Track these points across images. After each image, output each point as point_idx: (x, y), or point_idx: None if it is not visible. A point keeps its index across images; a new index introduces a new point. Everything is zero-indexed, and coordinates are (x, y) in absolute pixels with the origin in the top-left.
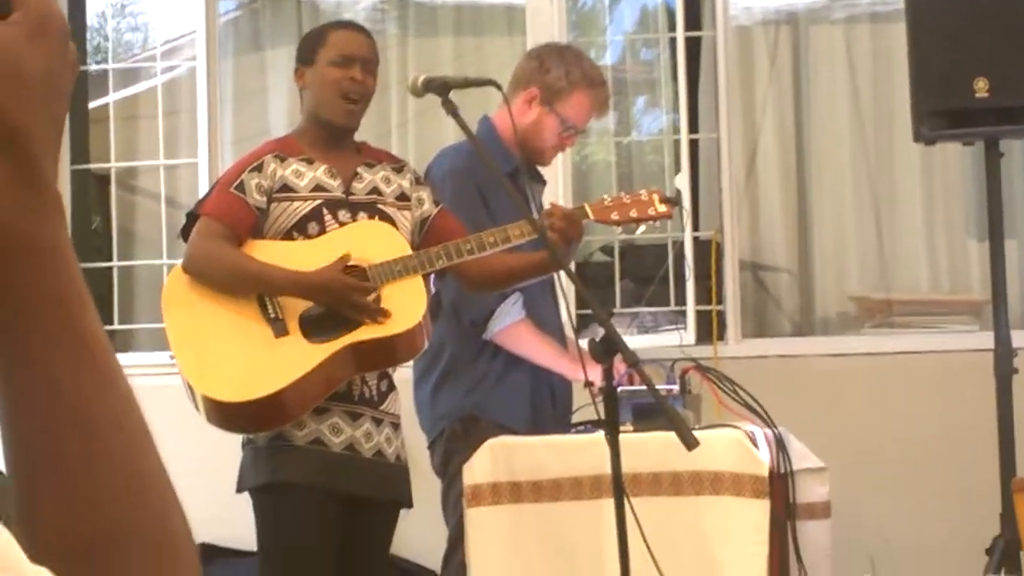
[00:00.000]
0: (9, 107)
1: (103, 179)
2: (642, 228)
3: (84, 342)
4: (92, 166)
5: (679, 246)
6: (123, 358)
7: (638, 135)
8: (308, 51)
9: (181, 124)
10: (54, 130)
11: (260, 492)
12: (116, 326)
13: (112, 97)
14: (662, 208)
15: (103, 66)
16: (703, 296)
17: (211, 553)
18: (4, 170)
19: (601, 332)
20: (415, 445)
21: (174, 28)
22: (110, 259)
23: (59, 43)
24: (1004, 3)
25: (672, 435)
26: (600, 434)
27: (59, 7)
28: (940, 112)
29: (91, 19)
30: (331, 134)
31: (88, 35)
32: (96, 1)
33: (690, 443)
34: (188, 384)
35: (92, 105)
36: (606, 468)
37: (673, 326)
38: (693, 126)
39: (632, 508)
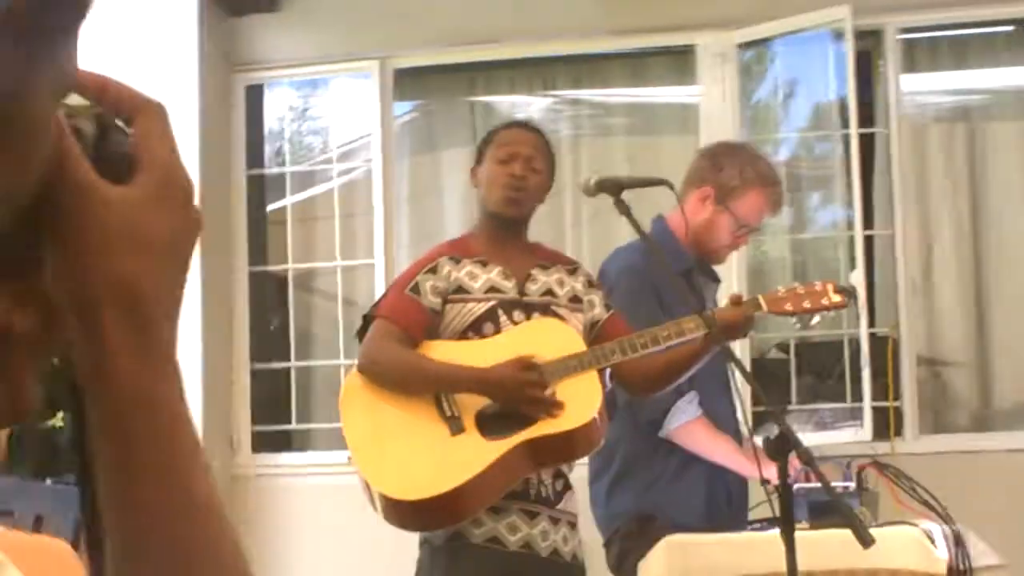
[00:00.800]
0: (133, 273)
1: (281, 280)
2: (816, 319)
3: (191, 497)
4: (270, 268)
5: (855, 342)
6: (301, 457)
7: (813, 231)
8: (480, 151)
9: (357, 225)
10: (175, 294)
11: None
12: (294, 426)
13: (290, 200)
14: (836, 298)
15: (282, 169)
16: (880, 392)
17: None
18: (126, 336)
19: (776, 429)
20: (591, 543)
21: (351, 131)
22: (288, 359)
23: (183, 206)
24: None
25: (848, 532)
26: (776, 532)
27: (183, 169)
28: None
29: (270, 122)
30: (502, 229)
31: (266, 138)
32: (275, 105)
33: (866, 540)
34: (366, 483)
35: (270, 208)
36: (782, 566)
37: (850, 422)
38: (868, 222)
39: None
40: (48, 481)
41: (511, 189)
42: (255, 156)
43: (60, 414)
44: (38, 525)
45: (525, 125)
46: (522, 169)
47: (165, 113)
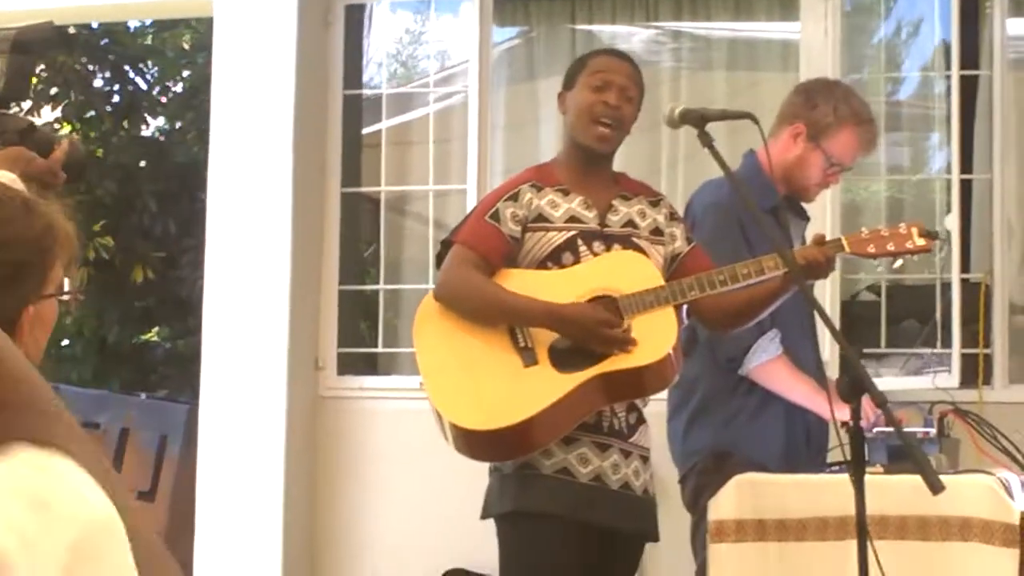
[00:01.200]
0: None
1: (374, 203)
2: (899, 262)
3: None
4: (363, 189)
5: (948, 287)
6: (386, 381)
7: (913, 173)
8: (570, 76)
9: (452, 151)
10: None
11: (505, 520)
12: (380, 348)
13: (385, 123)
14: (920, 241)
15: (378, 91)
16: (970, 339)
17: None
18: None
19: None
20: (667, 479)
21: (451, 56)
22: (377, 282)
23: None
24: None
25: (920, 479)
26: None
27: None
28: None
29: (370, 43)
30: (588, 160)
31: (365, 60)
32: (376, 27)
33: (935, 486)
34: (437, 412)
35: (366, 131)
36: (852, 510)
37: (939, 368)
38: (967, 166)
39: (875, 551)
40: (142, 395)
41: (605, 121)
42: (353, 77)
43: (155, 328)
44: (123, 438)
45: (619, 53)
46: (617, 99)
47: None
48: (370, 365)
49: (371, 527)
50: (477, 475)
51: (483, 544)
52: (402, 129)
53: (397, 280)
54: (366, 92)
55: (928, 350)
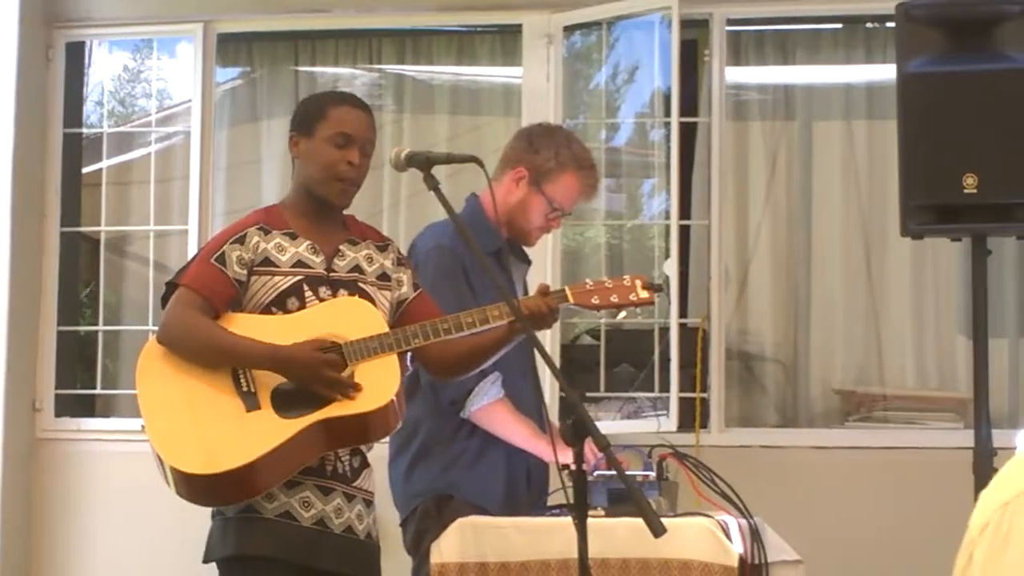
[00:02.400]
0: None
1: (94, 243)
2: (623, 314)
3: None
4: (83, 229)
5: (666, 332)
6: (105, 423)
7: (632, 219)
8: (306, 122)
9: (174, 191)
10: None
11: (227, 564)
12: (99, 391)
13: (106, 162)
14: (644, 294)
15: (99, 130)
16: (689, 384)
17: None
18: None
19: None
20: (389, 522)
21: (173, 95)
22: (96, 323)
23: None
24: (996, 101)
25: (642, 522)
26: (570, 518)
27: None
28: (928, 207)
29: (91, 82)
30: (320, 209)
31: (86, 98)
32: (98, 65)
33: (657, 530)
34: (158, 456)
35: (86, 170)
36: (575, 552)
37: (657, 412)
38: (686, 212)
39: None
40: None
41: (347, 180)
42: (73, 115)
43: None
44: None
45: (359, 103)
46: (359, 157)
47: None
48: (88, 407)
49: (89, 570)
50: (200, 519)
51: None
52: (123, 168)
53: (116, 321)
54: (86, 131)
55: (646, 394)
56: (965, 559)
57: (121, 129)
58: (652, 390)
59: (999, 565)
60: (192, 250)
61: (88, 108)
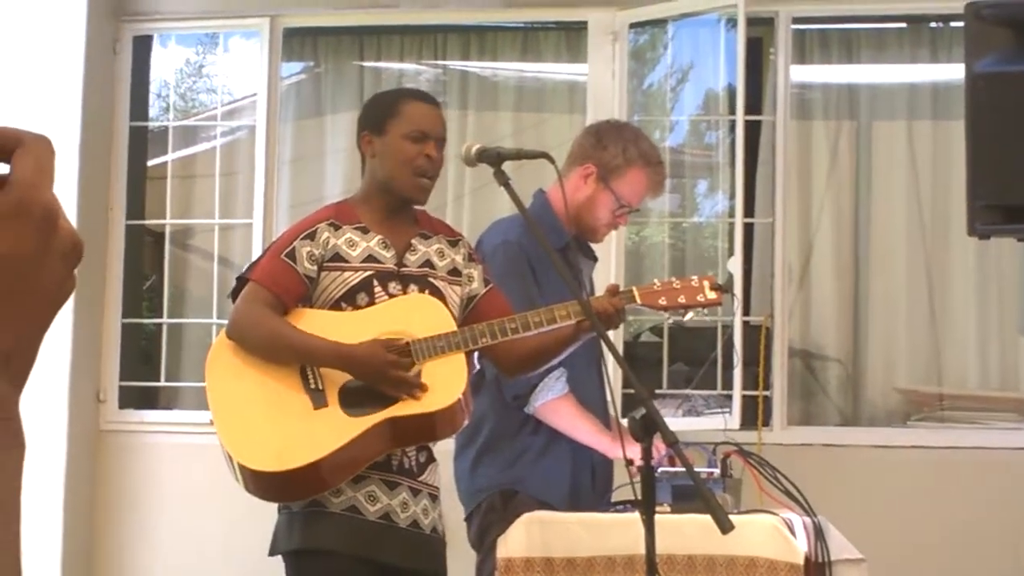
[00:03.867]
0: None
1: (158, 236)
2: (690, 315)
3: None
4: (147, 222)
5: (729, 330)
6: (168, 415)
7: (695, 217)
8: (378, 120)
9: (239, 185)
10: (24, 324)
11: (293, 557)
12: (163, 383)
13: (171, 156)
14: (712, 295)
15: (165, 123)
16: (751, 381)
17: None
18: None
19: (642, 411)
20: (453, 517)
21: (239, 89)
22: (160, 316)
23: (36, 230)
24: None
25: (709, 518)
26: (636, 514)
27: (51, 201)
28: (995, 207)
29: (157, 75)
30: (397, 204)
31: (153, 91)
32: (165, 58)
33: (725, 526)
34: (227, 452)
35: (151, 163)
36: (641, 548)
37: (720, 410)
38: (750, 210)
39: None
40: None
41: (427, 175)
42: (140, 109)
43: None
44: None
45: (430, 99)
46: (437, 152)
47: (46, 145)
48: (151, 399)
49: (151, 563)
50: (265, 512)
51: None
52: (188, 162)
53: (180, 314)
54: (152, 124)
55: (710, 392)
56: None
57: (186, 123)
58: (713, 387)
59: None
60: (256, 244)
61: (153, 101)
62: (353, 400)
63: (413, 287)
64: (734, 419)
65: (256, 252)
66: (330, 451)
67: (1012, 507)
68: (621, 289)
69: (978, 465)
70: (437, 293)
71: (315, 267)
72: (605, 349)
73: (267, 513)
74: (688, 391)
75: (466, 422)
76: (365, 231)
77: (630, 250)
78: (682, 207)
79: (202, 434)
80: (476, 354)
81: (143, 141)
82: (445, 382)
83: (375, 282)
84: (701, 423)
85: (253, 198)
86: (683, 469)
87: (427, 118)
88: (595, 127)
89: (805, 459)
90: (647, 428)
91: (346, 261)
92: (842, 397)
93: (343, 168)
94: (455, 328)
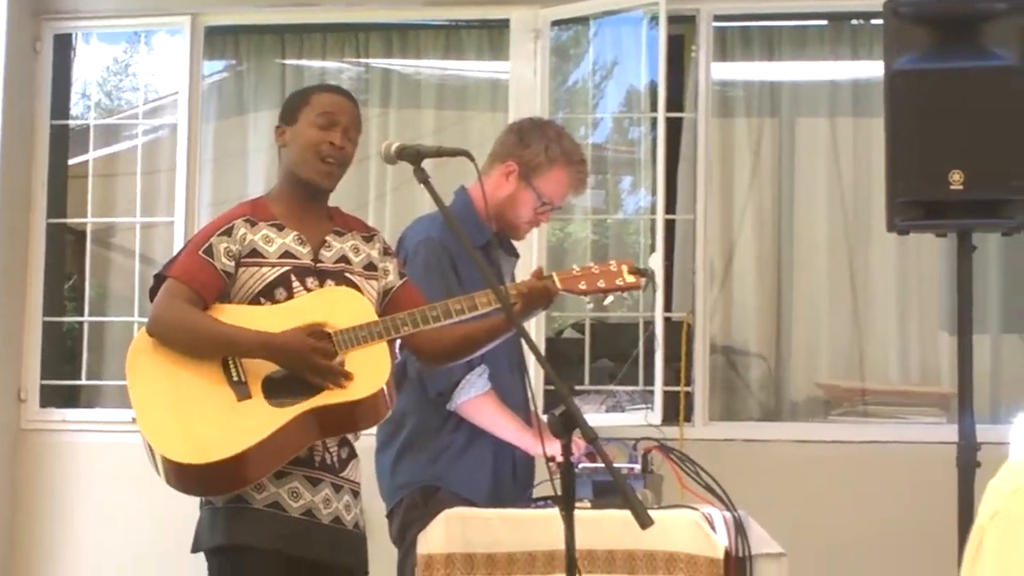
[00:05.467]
0: None
1: (79, 234)
2: (610, 299)
3: None
4: (69, 221)
5: (651, 326)
6: (89, 414)
7: (616, 214)
8: (291, 111)
9: (160, 183)
10: None
11: (215, 554)
12: (84, 381)
13: (93, 154)
14: (630, 279)
15: (86, 122)
16: (673, 377)
17: None
18: None
19: (562, 407)
20: (375, 513)
21: (160, 88)
22: (82, 314)
23: None
24: (982, 98)
25: (629, 514)
26: (557, 510)
27: None
28: (915, 203)
29: (79, 74)
30: (306, 195)
31: (74, 90)
32: (86, 57)
33: (644, 521)
34: (148, 445)
35: (72, 161)
36: (561, 544)
37: (641, 405)
38: (671, 207)
39: None
40: None
41: (330, 160)
42: (61, 107)
43: None
44: None
45: (343, 91)
46: (342, 139)
47: None
48: (73, 398)
49: (73, 561)
50: (187, 509)
51: None
52: (109, 161)
53: (102, 312)
54: (73, 123)
55: (632, 387)
56: (975, 547)
57: (108, 121)
58: (636, 383)
59: (1011, 551)
60: (178, 242)
61: (75, 100)
62: (277, 391)
63: (330, 282)
64: (656, 415)
65: (178, 250)
66: (255, 442)
67: (932, 501)
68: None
69: (898, 459)
70: (354, 288)
71: (232, 263)
72: (525, 347)
73: (189, 510)
74: (611, 387)
75: (389, 412)
76: (280, 228)
77: (553, 246)
78: (605, 203)
79: (124, 432)
80: (398, 345)
81: (64, 140)
82: (369, 371)
83: (292, 277)
84: (624, 419)
85: (175, 196)
86: (603, 465)
87: (335, 105)
88: (517, 125)
89: (726, 454)
90: (567, 425)
91: (263, 257)
92: (764, 393)
93: (265, 167)
94: (376, 318)
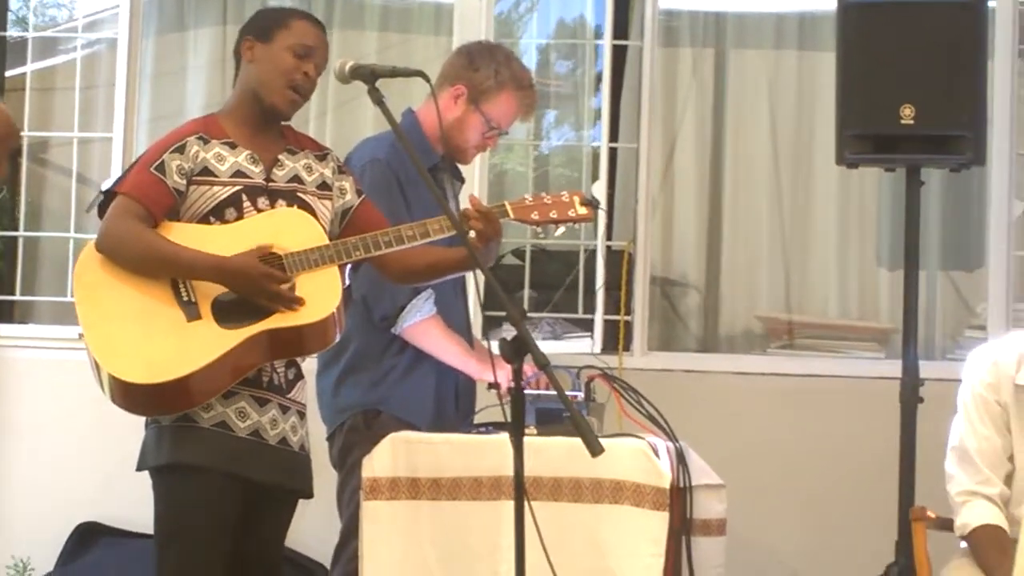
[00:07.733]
0: None
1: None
2: (561, 230)
3: None
4: None
5: (590, 254)
6: (23, 329)
7: (556, 143)
8: (265, 28)
9: (98, 99)
10: None
11: (161, 472)
12: (18, 297)
13: (30, 67)
14: (583, 210)
15: (23, 34)
16: (611, 306)
17: (97, 531)
18: None
19: (513, 333)
20: (315, 436)
21: (98, 2)
22: (16, 229)
23: None
24: (933, 33)
25: (576, 441)
26: (503, 436)
27: None
28: (864, 137)
29: None
30: (264, 116)
31: (10, 2)
32: None
33: (595, 449)
34: (95, 363)
35: (9, 74)
36: (507, 470)
37: (580, 333)
38: (613, 136)
39: (532, 512)
40: None
41: (301, 91)
42: None
43: None
44: None
45: (320, 23)
46: (315, 72)
47: None
48: (7, 314)
49: (7, 478)
50: (128, 426)
51: (127, 497)
52: (47, 74)
53: (36, 228)
54: (10, 34)
55: (572, 315)
56: None
57: (46, 34)
58: (575, 312)
59: None
60: (116, 158)
61: (12, 12)
62: (226, 313)
63: (282, 202)
64: (596, 343)
65: (115, 166)
66: (204, 364)
67: (868, 434)
68: (493, 204)
69: (836, 393)
70: (307, 208)
71: (184, 181)
72: (477, 273)
73: (132, 427)
74: (549, 315)
75: (338, 336)
76: (233, 146)
77: (492, 176)
78: (541, 131)
79: (59, 349)
80: (348, 270)
81: (1, 52)
82: (320, 295)
83: (244, 197)
84: (563, 347)
85: (113, 112)
86: (548, 391)
87: (315, 38)
88: (467, 48)
89: (665, 384)
90: (518, 350)
91: (215, 175)
92: (702, 324)
93: (204, 84)
94: (327, 242)
